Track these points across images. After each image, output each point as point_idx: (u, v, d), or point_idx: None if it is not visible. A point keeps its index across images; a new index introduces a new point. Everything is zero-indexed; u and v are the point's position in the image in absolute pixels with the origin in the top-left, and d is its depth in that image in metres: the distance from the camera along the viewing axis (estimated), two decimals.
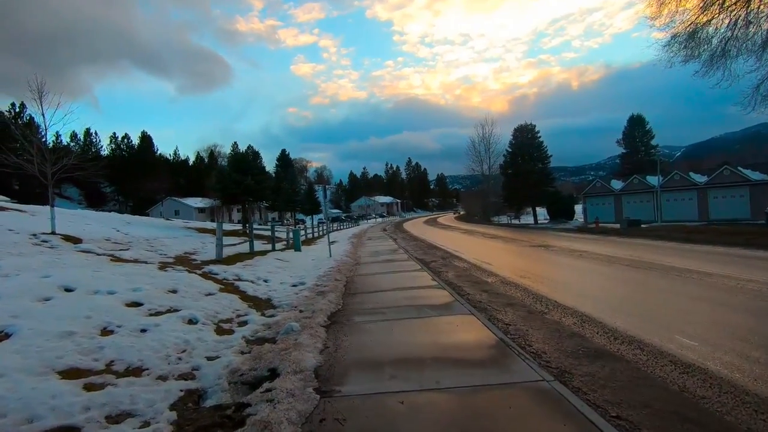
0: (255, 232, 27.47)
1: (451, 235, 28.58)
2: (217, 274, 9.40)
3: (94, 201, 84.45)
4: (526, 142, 47.93)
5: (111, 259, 9.56)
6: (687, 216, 37.53)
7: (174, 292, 6.98)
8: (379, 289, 8.44)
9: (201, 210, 69.22)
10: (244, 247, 15.61)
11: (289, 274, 10.78)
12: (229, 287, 8.22)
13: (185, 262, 10.81)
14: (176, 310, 6.00)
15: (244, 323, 5.96)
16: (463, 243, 21.30)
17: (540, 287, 8.30)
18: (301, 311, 6.54)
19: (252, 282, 9.07)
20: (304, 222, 74.28)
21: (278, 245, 20.56)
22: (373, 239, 26.91)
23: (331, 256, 14.63)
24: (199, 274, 9.00)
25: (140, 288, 6.61)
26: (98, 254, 10.16)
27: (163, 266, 9.43)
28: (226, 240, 18.93)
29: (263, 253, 15.24)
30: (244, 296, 7.68)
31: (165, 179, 77.17)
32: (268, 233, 28.59)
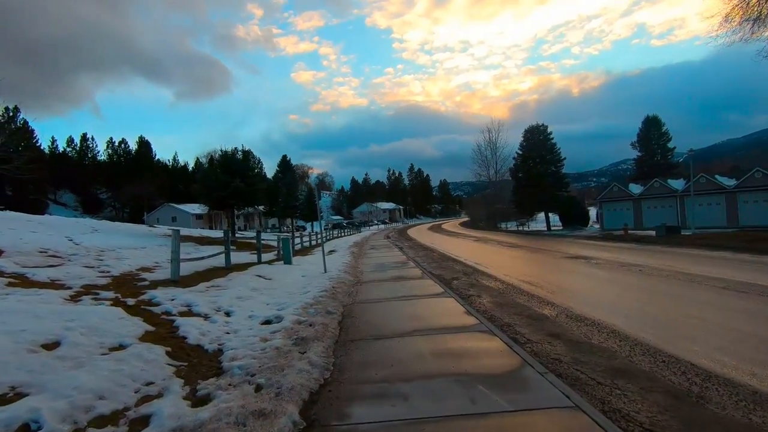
0: (246, 240, 24.62)
1: (462, 244, 25.70)
2: (158, 304, 6.57)
3: (91, 207, 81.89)
4: (537, 144, 45.07)
5: (9, 283, 6.74)
6: (714, 222, 34.69)
7: (53, 347, 4.16)
8: (391, 333, 5.58)
9: (198, 216, 66.69)
10: (234, 259, 12.74)
11: (265, 300, 7.94)
12: (162, 329, 5.38)
13: (125, 284, 7.99)
14: (18, 396, 3.19)
15: (141, 424, 3.13)
16: (481, 253, 18.42)
17: (636, 329, 5.44)
18: (258, 388, 3.70)
19: (205, 317, 6.23)
20: (304, 228, 71.46)
21: (268, 256, 17.77)
22: (377, 248, 24.05)
23: (326, 271, 11.79)
24: (129, 306, 6.18)
25: None
26: (2, 274, 7.36)
27: (82, 293, 6.62)
28: (206, 251, 16.13)
29: (244, 267, 12.41)
30: (180, 347, 4.84)
31: (162, 185, 74.73)
32: (265, 241, 25.71)
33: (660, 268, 10.96)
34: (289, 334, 5.44)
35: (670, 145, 54.52)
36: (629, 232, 27.37)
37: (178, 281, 8.57)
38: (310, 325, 5.88)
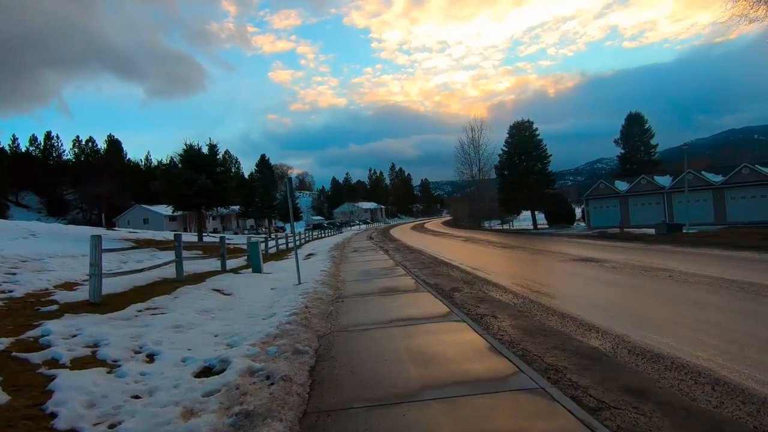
0: (217, 244, 22.32)
1: (451, 244, 24.00)
2: (45, 346, 4.49)
3: (56, 209, 77.36)
4: (523, 141, 43.89)
5: None
6: (702, 218, 34.08)
7: None
8: (390, 393, 3.67)
9: (172, 218, 63.28)
10: (195, 267, 10.56)
11: (214, 328, 5.92)
12: (23, 399, 3.34)
13: (19, 311, 5.85)
14: None
15: None
16: (475, 255, 16.72)
17: (750, 378, 3.70)
18: None
19: (112, 366, 4.20)
20: (283, 229, 68.70)
21: (237, 262, 15.66)
22: (360, 251, 22.10)
23: (300, 282, 9.79)
24: None
25: None
26: None
27: None
28: (163, 257, 13.90)
29: (201, 278, 10.32)
30: None
31: (134, 185, 71.00)
32: (238, 245, 23.33)
33: (692, 274, 9.40)
34: (231, 399, 3.47)
35: (653, 141, 54.28)
36: (625, 230, 26.19)
37: (99, 304, 6.46)
38: (267, 378, 3.92)
